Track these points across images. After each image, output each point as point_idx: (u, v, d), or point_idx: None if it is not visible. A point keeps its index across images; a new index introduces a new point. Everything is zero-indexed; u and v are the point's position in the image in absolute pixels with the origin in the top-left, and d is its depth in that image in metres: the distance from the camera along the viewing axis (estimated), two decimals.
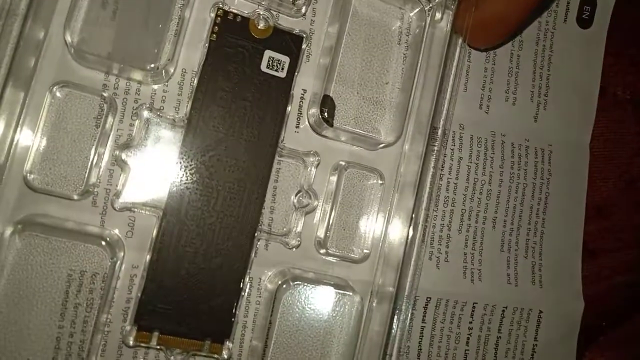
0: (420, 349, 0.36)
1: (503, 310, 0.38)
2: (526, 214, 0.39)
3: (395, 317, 0.31)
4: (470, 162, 0.38)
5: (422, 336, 0.36)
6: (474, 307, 0.37)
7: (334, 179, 0.33)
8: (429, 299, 0.37)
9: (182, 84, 0.31)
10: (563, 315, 0.40)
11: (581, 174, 0.40)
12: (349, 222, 0.34)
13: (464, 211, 0.38)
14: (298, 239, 0.32)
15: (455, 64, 0.33)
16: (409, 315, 0.33)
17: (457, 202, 0.38)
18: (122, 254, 0.29)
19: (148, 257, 0.29)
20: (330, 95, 0.33)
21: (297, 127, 0.33)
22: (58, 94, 0.29)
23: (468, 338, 0.37)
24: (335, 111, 0.33)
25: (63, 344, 0.28)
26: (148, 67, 0.29)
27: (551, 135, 0.40)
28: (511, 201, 0.39)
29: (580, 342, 0.40)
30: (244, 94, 0.31)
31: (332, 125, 0.32)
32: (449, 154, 0.38)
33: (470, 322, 0.37)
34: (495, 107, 0.39)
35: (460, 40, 0.33)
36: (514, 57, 0.39)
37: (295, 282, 0.31)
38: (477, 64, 0.38)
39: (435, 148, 0.33)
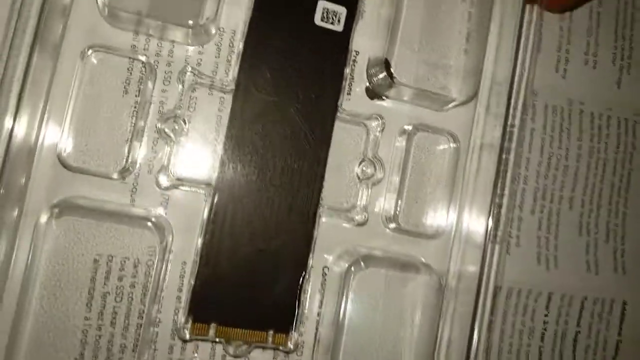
0: (490, 345, 0.36)
1: (582, 301, 0.38)
2: (607, 193, 0.39)
3: (480, 302, 0.32)
4: (545, 134, 0.38)
5: (491, 330, 0.36)
6: (549, 297, 0.38)
7: (400, 145, 0.33)
8: (498, 289, 0.36)
9: (227, 43, 0.31)
10: None
11: None
12: (420, 193, 0.34)
13: (537, 189, 0.38)
14: (364, 214, 0.32)
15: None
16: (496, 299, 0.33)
17: (530, 179, 0.38)
18: (170, 237, 0.29)
19: (200, 239, 0.29)
20: (391, 57, 0.33)
21: (349, 92, 0.33)
22: (90, 60, 0.29)
23: (543, 333, 0.37)
24: (397, 71, 0.33)
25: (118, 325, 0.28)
26: (189, 24, 0.29)
27: (636, 104, 0.40)
28: (590, 178, 0.39)
29: None
30: (297, 52, 0.30)
31: (393, 82, 0.32)
32: (521, 125, 0.37)
33: (546, 315, 0.38)
34: (573, 71, 0.39)
35: None
36: (593, 14, 0.39)
37: (366, 265, 0.31)
38: (552, 22, 0.38)
39: (518, 114, 0.33)
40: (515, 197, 0.37)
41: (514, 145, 0.33)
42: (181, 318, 0.29)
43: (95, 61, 0.29)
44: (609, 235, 0.39)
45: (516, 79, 0.33)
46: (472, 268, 0.33)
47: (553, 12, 0.37)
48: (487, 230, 0.32)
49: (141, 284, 0.29)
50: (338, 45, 0.31)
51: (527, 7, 0.33)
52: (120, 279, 0.28)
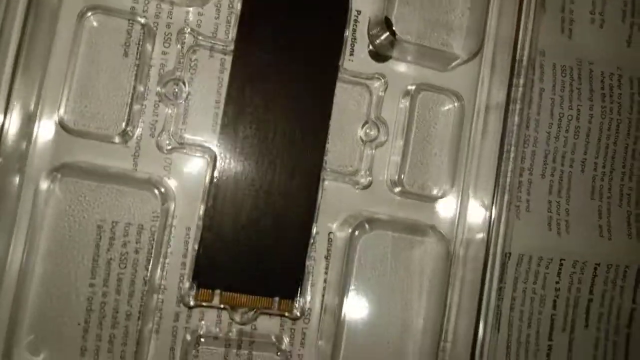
0: (500, 313, 0.38)
1: (595, 268, 0.40)
2: (620, 155, 0.41)
3: (489, 269, 0.34)
4: (554, 95, 0.40)
5: (502, 298, 0.38)
6: (561, 263, 0.40)
7: (403, 106, 0.35)
8: (508, 255, 0.39)
9: (227, 3, 0.33)
10: None
11: None
12: (425, 155, 0.36)
13: (547, 152, 0.40)
14: (368, 176, 0.34)
15: None
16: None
17: (540, 141, 0.40)
18: (173, 202, 0.32)
19: (203, 204, 0.31)
20: (392, 14, 0.35)
21: (352, 54, 0.35)
22: (88, 23, 0.31)
23: (555, 300, 0.40)
24: (398, 28, 0.35)
25: (124, 288, 0.31)
26: None
27: None
28: (603, 140, 0.41)
29: None
30: (297, 11, 0.33)
31: (395, 39, 0.34)
32: (528, 84, 0.40)
33: (557, 282, 0.40)
34: (579, 31, 0.41)
35: None
36: None
37: (371, 227, 0.34)
38: None
39: (522, 75, 0.35)
40: (524, 160, 0.39)
41: (519, 105, 0.35)
42: (186, 284, 0.31)
43: (94, 23, 0.31)
44: (622, 199, 0.41)
45: (520, 37, 0.35)
46: (480, 234, 0.35)
47: None
48: (494, 194, 0.35)
49: (145, 250, 0.31)
50: (338, 3, 0.33)
51: None
52: (124, 245, 0.31)
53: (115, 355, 0.31)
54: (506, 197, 0.34)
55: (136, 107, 0.31)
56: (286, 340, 0.33)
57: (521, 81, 0.35)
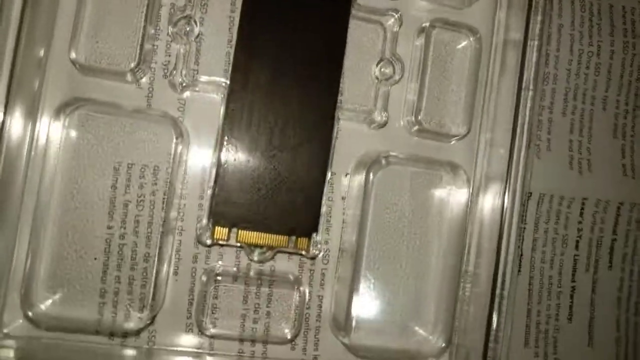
0: (522, 255, 0.38)
1: (618, 207, 0.40)
2: None
3: (508, 208, 0.34)
4: (574, 30, 0.40)
5: (523, 239, 0.38)
6: (583, 203, 0.40)
7: (419, 43, 0.35)
8: (529, 195, 0.39)
9: None
10: None
11: None
12: (442, 91, 0.36)
13: (568, 90, 0.40)
14: (384, 114, 0.34)
15: None
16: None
17: (560, 78, 0.39)
18: (188, 142, 0.32)
19: (217, 143, 0.31)
20: None
21: None
22: None
23: (577, 241, 0.40)
24: None
25: (143, 224, 0.32)
26: None
27: None
28: (625, 76, 0.40)
29: None
30: None
31: None
32: (546, 21, 0.39)
33: (580, 222, 0.40)
34: None
35: None
36: None
37: (387, 164, 0.34)
38: None
39: (540, 11, 0.35)
40: (544, 97, 0.39)
41: (537, 41, 0.34)
42: (203, 223, 0.31)
43: None
44: None
45: None
46: (499, 172, 0.35)
47: None
48: (513, 133, 0.34)
49: (162, 191, 0.31)
50: None
51: None
52: (141, 186, 0.31)
53: (135, 296, 0.31)
54: (525, 135, 0.34)
55: (147, 46, 0.31)
56: (305, 281, 0.33)
57: (539, 17, 0.34)
